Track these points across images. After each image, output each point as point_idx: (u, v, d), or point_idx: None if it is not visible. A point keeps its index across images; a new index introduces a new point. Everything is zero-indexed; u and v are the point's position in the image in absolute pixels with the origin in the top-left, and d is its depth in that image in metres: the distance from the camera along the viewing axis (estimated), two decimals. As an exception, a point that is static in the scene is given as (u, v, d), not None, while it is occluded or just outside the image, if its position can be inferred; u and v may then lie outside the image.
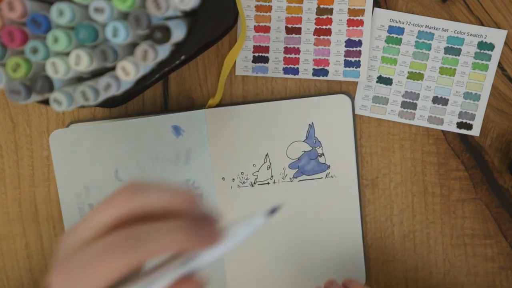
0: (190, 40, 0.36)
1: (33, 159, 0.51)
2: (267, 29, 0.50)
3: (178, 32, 0.34)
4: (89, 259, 0.26)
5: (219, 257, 0.27)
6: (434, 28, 0.50)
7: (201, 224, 0.27)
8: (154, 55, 0.33)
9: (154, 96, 0.51)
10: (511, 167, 0.50)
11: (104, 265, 0.26)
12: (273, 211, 0.29)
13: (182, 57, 0.38)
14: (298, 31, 0.50)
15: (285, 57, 0.51)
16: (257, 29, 0.50)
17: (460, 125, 0.51)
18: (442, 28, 0.50)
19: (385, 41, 0.50)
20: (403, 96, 0.51)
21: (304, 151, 0.51)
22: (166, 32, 0.32)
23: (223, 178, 0.50)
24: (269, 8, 0.50)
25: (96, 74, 0.36)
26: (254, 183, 0.51)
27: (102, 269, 0.26)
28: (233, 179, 0.51)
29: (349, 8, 0.50)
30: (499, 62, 0.50)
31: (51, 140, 0.49)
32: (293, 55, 0.51)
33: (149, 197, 0.27)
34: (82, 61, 0.33)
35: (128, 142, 0.49)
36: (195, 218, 0.27)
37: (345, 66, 0.51)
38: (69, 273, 0.27)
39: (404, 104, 0.51)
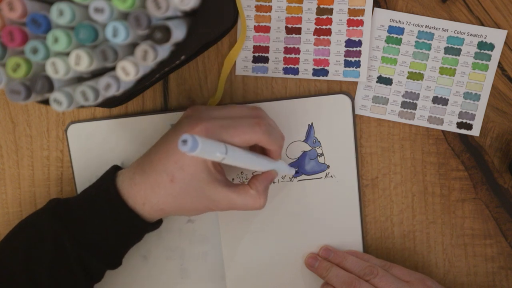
0: (190, 40, 0.36)
1: (33, 159, 0.51)
2: (267, 29, 0.50)
3: (178, 32, 0.34)
4: (237, 125, 0.40)
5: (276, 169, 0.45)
6: (434, 28, 0.50)
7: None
8: (154, 55, 0.33)
9: (154, 96, 0.51)
10: (511, 167, 0.50)
11: (246, 133, 0.40)
12: (296, 173, 0.51)
13: (182, 57, 0.39)
14: (298, 31, 0.50)
15: (285, 57, 0.51)
16: (257, 29, 0.50)
17: (460, 125, 0.51)
18: (442, 28, 0.50)
19: (385, 41, 0.50)
20: (403, 96, 0.51)
21: (304, 151, 0.51)
22: (166, 32, 0.32)
23: (223, 178, 0.50)
24: (269, 8, 0.50)
25: (96, 74, 0.36)
26: (254, 183, 0.51)
27: (244, 134, 0.40)
28: (233, 178, 0.51)
29: (349, 8, 0.50)
30: (499, 62, 0.50)
31: (69, 132, 0.50)
32: (293, 55, 0.51)
33: (271, 141, 0.42)
34: (82, 61, 0.33)
35: (131, 138, 0.50)
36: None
37: (345, 66, 0.51)
38: (216, 127, 0.40)
39: (404, 104, 0.51)
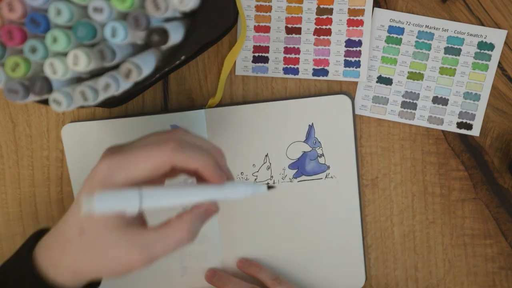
0: (190, 41, 0.36)
1: (33, 159, 0.51)
2: (267, 29, 0.50)
3: (176, 35, 0.34)
4: (141, 150, 0.34)
5: (220, 198, 0.35)
6: (434, 28, 0.50)
7: (220, 168, 0.35)
8: (137, 73, 0.33)
9: (154, 96, 0.51)
10: (511, 167, 0.50)
11: (151, 156, 0.33)
12: (270, 187, 0.36)
13: (182, 57, 0.38)
14: (298, 31, 0.50)
15: (285, 57, 0.51)
16: (257, 29, 0.50)
17: (460, 125, 0.51)
18: (442, 28, 0.50)
19: (385, 41, 0.50)
20: (403, 96, 0.51)
21: (304, 152, 0.51)
22: (163, 35, 0.32)
23: (223, 178, 0.50)
24: (269, 8, 0.50)
25: (95, 74, 0.36)
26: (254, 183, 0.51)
27: (150, 158, 0.33)
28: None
29: (349, 8, 0.50)
30: (499, 62, 0.50)
31: (63, 132, 0.50)
32: (293, 55, 0.51)
33: (188, 159, 0.34)
34: (80, 61, 0.33)
35: (130, 138, 0.49)
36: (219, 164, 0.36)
37: (345, 66, 0.50)
38: (120, 159, 0.34)
39: (404, 104, 0.51)
